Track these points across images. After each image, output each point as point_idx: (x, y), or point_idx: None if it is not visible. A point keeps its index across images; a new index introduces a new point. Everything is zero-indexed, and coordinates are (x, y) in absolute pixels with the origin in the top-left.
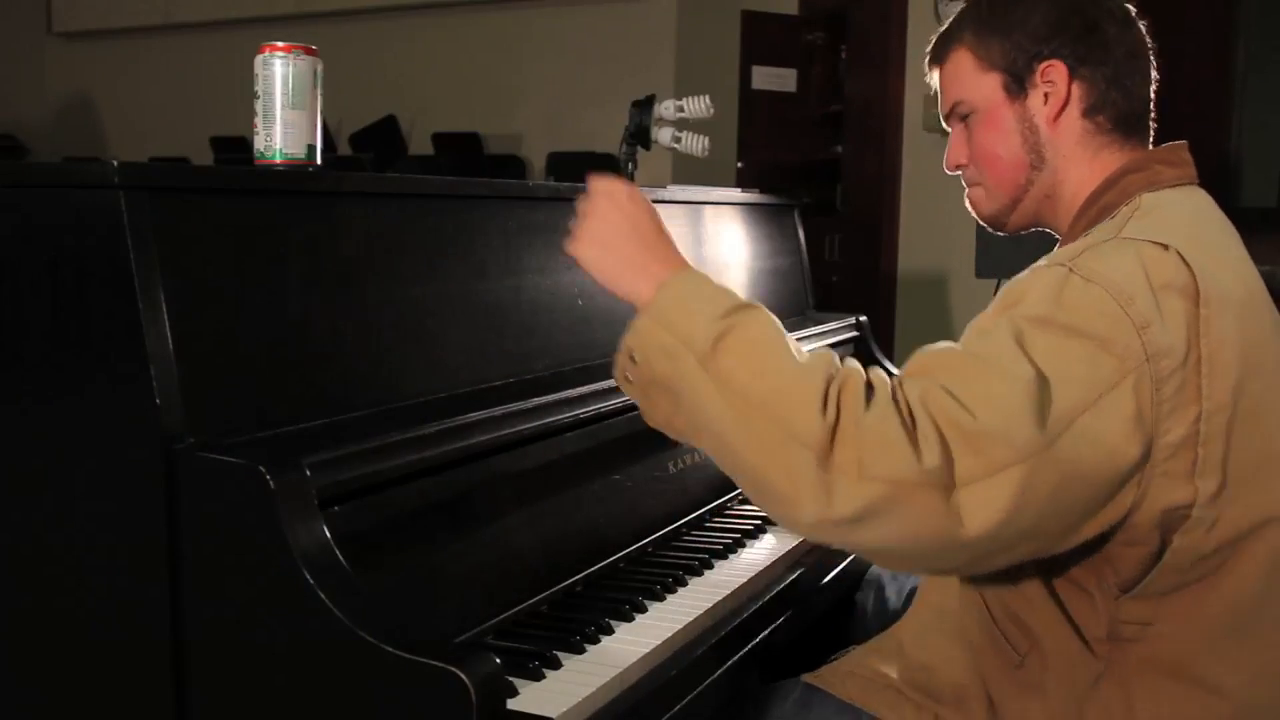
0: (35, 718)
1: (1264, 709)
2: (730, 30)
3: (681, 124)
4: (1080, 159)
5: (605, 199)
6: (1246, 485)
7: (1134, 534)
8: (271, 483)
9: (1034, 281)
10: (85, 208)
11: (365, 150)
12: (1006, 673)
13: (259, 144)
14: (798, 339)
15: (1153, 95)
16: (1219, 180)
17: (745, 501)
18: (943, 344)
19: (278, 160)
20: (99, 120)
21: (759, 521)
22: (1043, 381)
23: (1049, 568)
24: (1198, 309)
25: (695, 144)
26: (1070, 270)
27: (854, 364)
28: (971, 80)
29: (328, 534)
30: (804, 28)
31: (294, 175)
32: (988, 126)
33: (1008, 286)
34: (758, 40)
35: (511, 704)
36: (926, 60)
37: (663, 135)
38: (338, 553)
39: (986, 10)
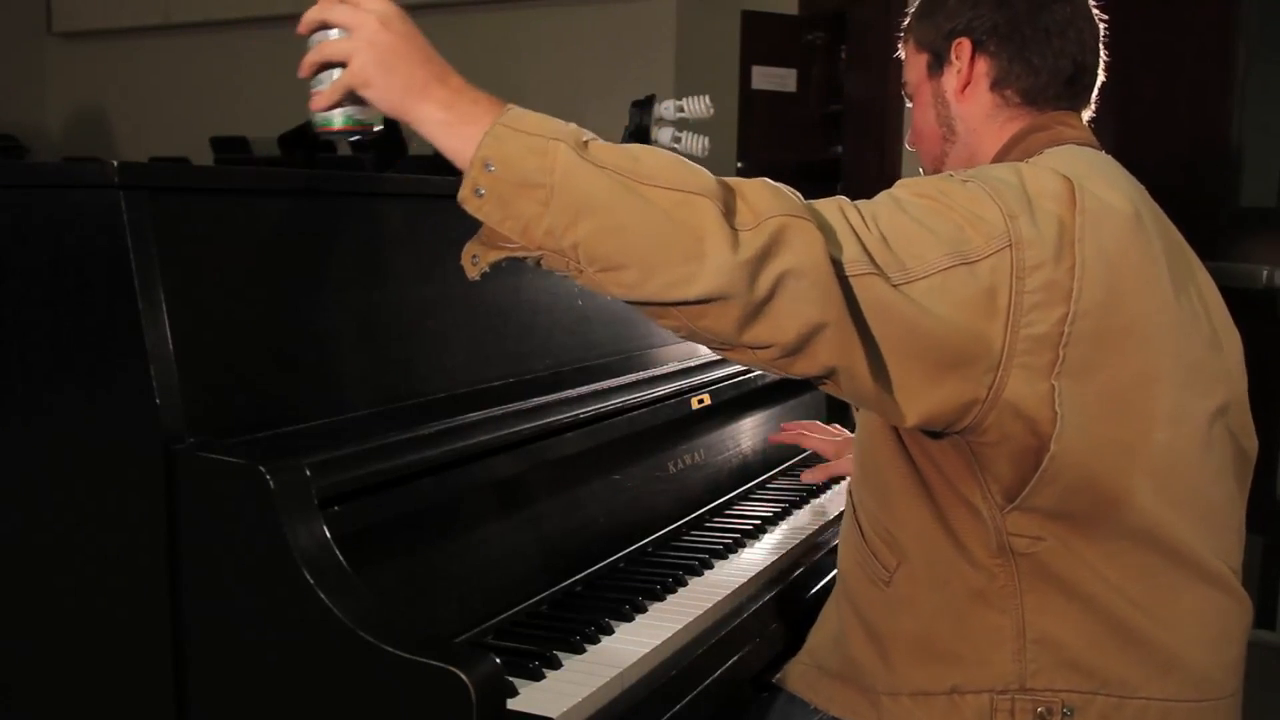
0: (35, 717)
1: (1153, 639)
2: (730, 30)
3: (681, 124)
4: (990, 131)
5: (368, 15)
6: (1124, 402)
7: (997, 429)
8: (271, 483)
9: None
10: (85, 208)
11: (365, 150)
12: (876, 593)
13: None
14: None
15: (1075, 68)
16: (1219, 180)
17: (745, 501)
18: None
19: (337, 126)
20: (99, 120)
21: (759, 522)
22: (897, 238)
23: (928, 481)
24: (1074, 216)
25: (695, 144)
26: (950, 176)
27: None
28: (911, 63)
29: (328, 534)
30: (804, 28)
31: (294, 175)
32: (916, 103)
33: None
34: (758, 40)
35: (511, 704)
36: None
37: (663, 135)
38: (338, 553)
39: None
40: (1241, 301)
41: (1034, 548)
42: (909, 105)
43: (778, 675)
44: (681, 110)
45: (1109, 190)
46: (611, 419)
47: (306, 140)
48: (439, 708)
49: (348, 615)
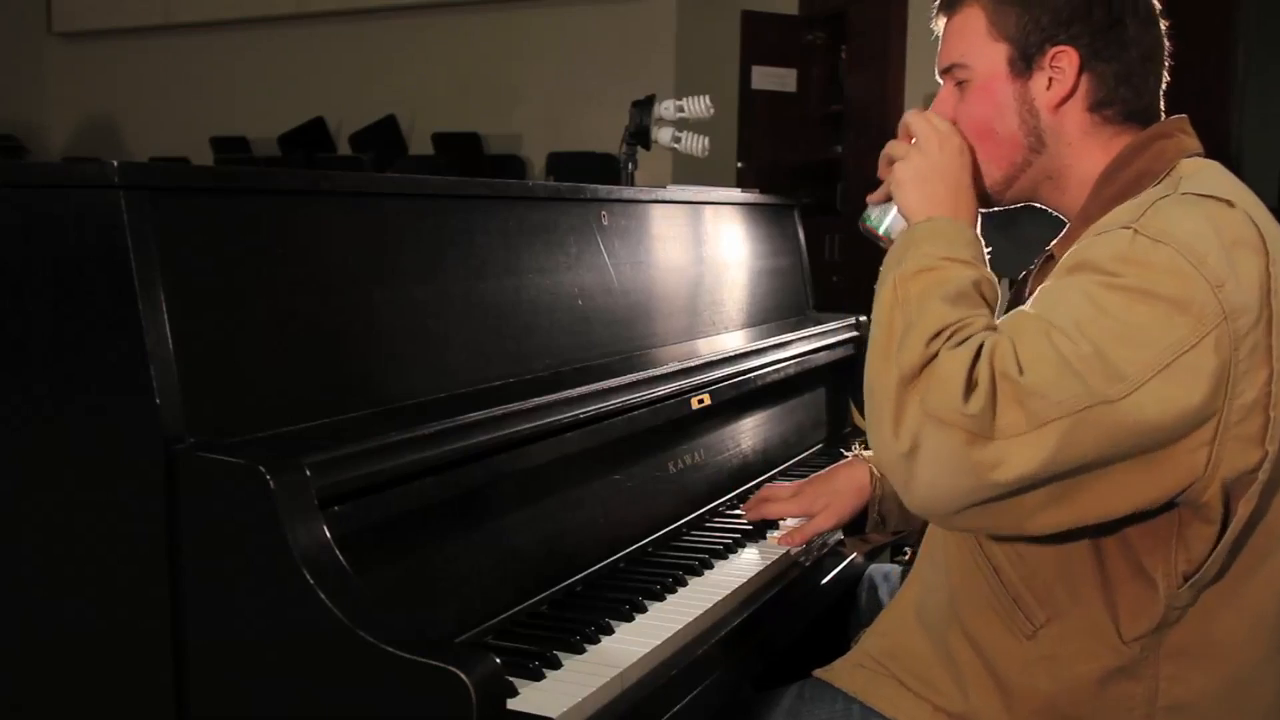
0: (35, 717)
1: (1264, 688)
2: (730, 30)
3: (681, 124)
4: (1092, 147)
5: (935, 137)
6: None
7: (1207, 506)
8: (271, 483)
9: (1098, 245)
10: (85, 208)
11: (365, 150)
12: (1013, 643)
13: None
14: (797, 339)
15: (1162, 94)
16: None
17: (745, 501)
18: (1026, 306)
19: (870, 224)
20: (99, 120)
21: (759, 521)
22: (1108, 343)
23: (1116, 548)
24: (1269, 267)
25: (695, 144)
26: (1136, 231)
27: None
28: (978, 44)
29: (328, 534)
30: (804, 28)
31: (294, 175)
32: (983, 97)
33: (1070, 252)
34: (758, 40)
35: (511, 704)
36: (936, 5)
37: (663, 135)
38: (338, 553)
39: None
40: None
41: (1182, 617)
42: (941, 80)
43: (822, 669)
44: (681, 110)
45: (1273, 224)
46: (611, 419)
47: (306, 140)
48: (439, 708)
49: (348, 615)
